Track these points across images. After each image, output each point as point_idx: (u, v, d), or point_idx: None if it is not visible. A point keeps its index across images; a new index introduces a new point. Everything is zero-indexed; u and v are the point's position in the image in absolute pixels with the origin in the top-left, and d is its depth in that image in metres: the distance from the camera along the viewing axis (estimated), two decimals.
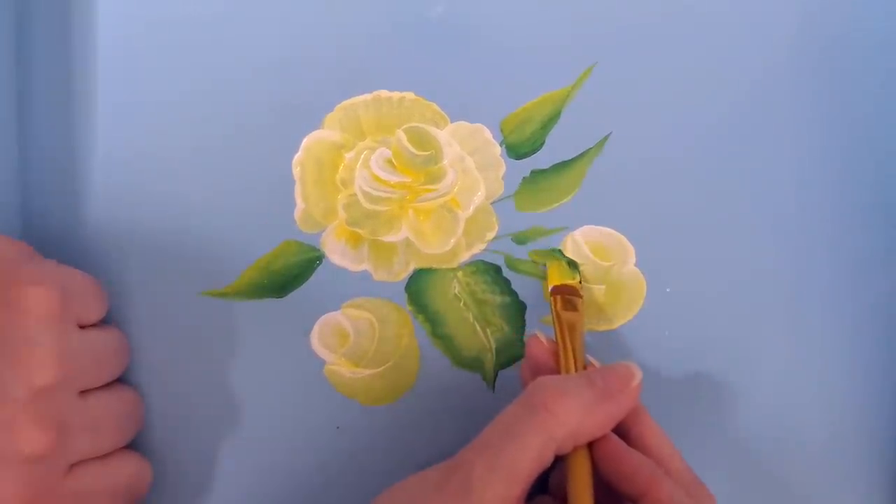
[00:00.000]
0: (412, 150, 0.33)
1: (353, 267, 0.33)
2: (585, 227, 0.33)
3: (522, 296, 0.33)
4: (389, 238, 0.33)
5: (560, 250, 0.33)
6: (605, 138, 0.33)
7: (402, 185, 0.33)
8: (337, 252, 0.33)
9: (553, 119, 0.33)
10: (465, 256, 0.33)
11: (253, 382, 0.33)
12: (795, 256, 0.33)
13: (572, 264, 0.33)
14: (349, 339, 0.33)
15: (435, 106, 0.33)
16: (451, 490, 0.25)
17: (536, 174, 0.33)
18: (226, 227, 0.32)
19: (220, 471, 0.33)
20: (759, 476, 0.33)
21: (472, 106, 0.33)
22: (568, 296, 0.31)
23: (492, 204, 0.33)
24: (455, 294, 0.33)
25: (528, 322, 0.33)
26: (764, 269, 0.33)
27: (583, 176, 0.33)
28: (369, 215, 0.33)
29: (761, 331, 0.33)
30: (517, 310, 0.33)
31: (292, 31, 0.33)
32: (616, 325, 0.33)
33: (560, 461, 0.27)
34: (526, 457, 0.26)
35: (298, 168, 0.33)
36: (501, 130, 0.33)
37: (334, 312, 0.33)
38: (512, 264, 0.33)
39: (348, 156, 0.33)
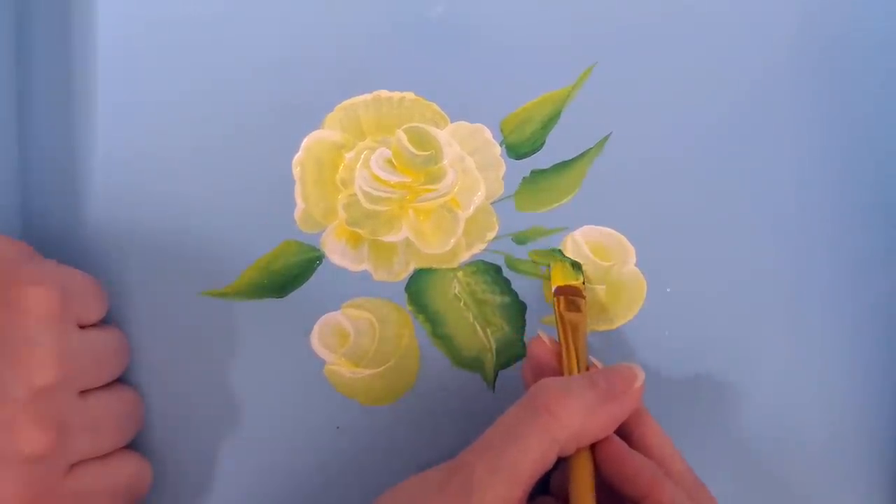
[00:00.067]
0: (412, 150, 0.33)
1: (354, 267, 0.33)
2: (585, 227, 0.33)
3: (522, 296, 0.33)
4: (389, 238, 0.33)
5: (560, 250, 0.33)
6: (605, 138, 0.33)
7: (402, 185, 0.33)
8: (337, 252, 0.33)
9: (553, 119, 0.33)
10: (465, 256, 0.33)
11: (253, 382, 0.33)
12: (795, 256, 0.33)
13: (576, 265, 0.33)
14: (349, 339, 0.33)
15: (435, 106, 0.33)
16: (453, 491, 0.25)
17: (536, 174, 0.33)
18: (226, 227, 0.32)
19: (220, 471, 0.33)
20: (760, 476, 0.33)
21: (472, 106, 0.33)
22: (571, 296, 0.31)
23: (492, 204, 0.33)
24: (455, 294, 0.33)
25: (528, 322, 0.33)
26: (764, 269, 0.33)
27: (583, 176, 0.33)
28: (369, 215, 0.33)
29: (761, 331, 0.33)
30: (517, 310, 0.33)
31: (292, 31, 0.33)
32: (616, 325, 0.33)
33: (562, 462, 0.27)
34: (528, 458, 0.26)
35: (298, 168, 0.33)
36: (501, 130, 0.33)
37: (334, 312, 0.33)
38: (512, 264, 0.33)
39: (348, 156, 0.33)
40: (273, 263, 0.33)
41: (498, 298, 0.33)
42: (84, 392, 0.28)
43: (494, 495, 0.25)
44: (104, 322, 0.30)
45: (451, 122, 0.33)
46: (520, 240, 0.33)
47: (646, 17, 0.33)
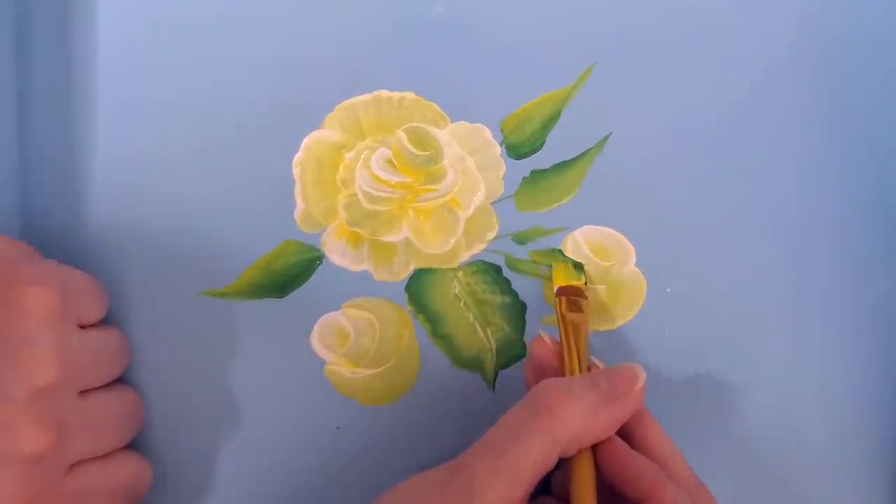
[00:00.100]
0: (412, 150, 0.33)
1: (354, 267, 0.33)
2: (585, 227, 0.33)
3: (522, 296, 0.33)
4: (389, 238, 0.33)
5: (561, 251, 0.33)
6: (605, 138, 0.33)
7: (402, 185, 0.33)
8: (337, 252, 0.33)
9: (553, 119, 0.33)
10: (465, 256, 0.33)
11: (253, 382, 0.33)
12: (795, 256, 0.33)
13: (578, 266, 0.33)
14: (349, 339, 0.33)
15: (435, 106, 0.33)
16: (454, 491, 0.25)
17: (536, 174, 0.33)
18: (226, 227, 0.32)
19: (220, 471, 0.33)
20: (760, 476, 0.33)
21: (472, 106, 0.33)
22: (573, 297, 0.31)
23: (492, 204, 0.33)
24: (455, 294, 0.33)
25: (528, 322, 0.33)
26: (764, 269, 0.33)
27: (583, 176, 0.33)
28: (369, 215, 0.33)
29: (761, 331, 0.33)
30: (517, 310, 0.33)
31: (292, 31, 0.33)
32: (616, 325, 0.33)
33: (563, 462, 0.27)
34: (529, 459, 0.26)
35: (298, 168, 0.33)
36: (501, 130, 0.33)
37: (334, 312, 0.33)
38: (512, 264, 0.33)
39: (348, 156, 0.33)
40: (273, 263, 0.33)
41: (498, 298, 0.33)
42: (84, 392, 0.28)
43: (496, 496, 0.25)
44: (104, 322, 0.30)
45: (452, 122, 0.33)
46: (520, 240, 0.33)
47: (646, 17, 0.33)
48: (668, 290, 0.33)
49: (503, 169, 0.33)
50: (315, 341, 0.33)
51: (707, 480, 0.28)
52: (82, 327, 0.29)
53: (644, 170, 0.33)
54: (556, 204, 0.33)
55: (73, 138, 0.32)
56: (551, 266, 0.33)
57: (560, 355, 0.30)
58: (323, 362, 0.33)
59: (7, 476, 0.26)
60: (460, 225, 0.33)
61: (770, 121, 0.33)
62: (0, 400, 0.26)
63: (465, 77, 0.33)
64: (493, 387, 0.33)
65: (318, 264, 0.33)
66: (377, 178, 0.33)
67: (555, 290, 0.32)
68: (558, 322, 0.31)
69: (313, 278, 0.33)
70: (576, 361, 0.29)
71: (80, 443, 0.28)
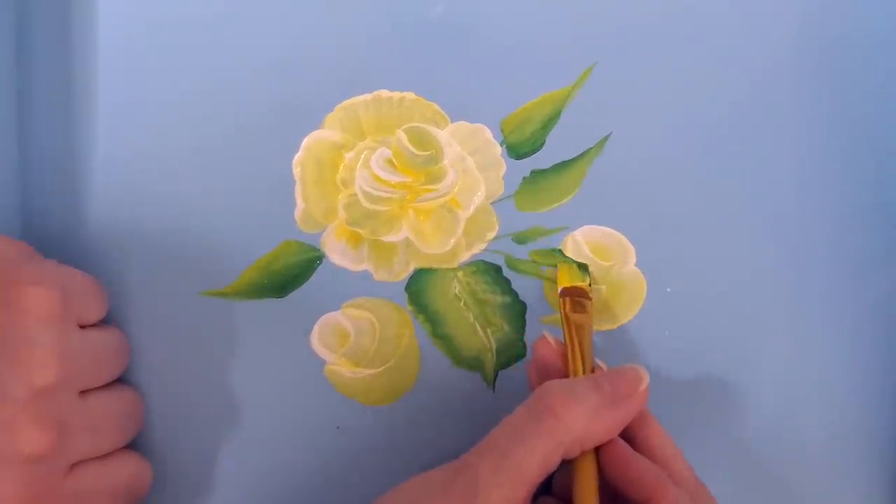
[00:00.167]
0: (412, 150, 0.33)
1: (354, 267, 0.33)
2: (586, 227, 0.33)
3: (522, 296, 0.33)
4: (390, 238, 0.33)
5: (561, 251, 0.33)
6: (605, 138, 0.33)
7: (402, 185, 0.33)
8: (337, 252, 0.33)
9: (553, 119, 0.33)
10: (465, 256, 0.33)
11: (253, 382, 0.33)
12: (795, 256, 0.33)
13: (582, 267, 0.33)
14: (349, 339, 0.33)
15: (435, 106, 0.33)
16: (457, 491, 0.25)
17: (537, 174, 0.33)
18: (226, 227, 0.32)
19: (220, 471, 0.33)
20: (760, 476, 0.33)
21: (473, 106, 0.33)
22: (577, 298, 0.31)
23: (492, 204, 0.33)
24: (455, 294, 0.33)
25: (528, 322, 0.33)
26: (764, 269, 0.33)
27: (583, 176, 0.33)
28: (369, 215, 0.33)
29: (761, 331, 0.33)
30: (517, 310, 0.33)
31: (292, 31, 0.33)
32: (617, 325, 0.33)
33: (566, 463, 0.27)
34: (532, 460, 0.26)
35: (298, 168, 0.33)
36: (502, 130, 0.33)
37: (334, 312, 0.33)
38: (512, 264, 0.33)
39: (348, 156, 0.33)
40: (273, 263, 0.33)
41: (498, 298, 0.33)
42: (84, 392, 0.28)
43: (499, 496, 0.25)
44: (104, 322, 0.30)
45: (452, 122, 0.33)
46: (520, 240, 0.33)
47: (646, 17, 0.33)
48: (668, 290, 0.33)
49: (503, 169, 0.33)
50: (315, 341, 0.33)
51: (707, 480, 0.28)
52: (82, 327, 0.29)
53: (644, 170, 0.33)
54: (557, 204, 0.33)
55: (73, 138, 0.32)
56: (554, 266, 0.33)
57: (564, 356, 0.30)
58: (323, 362, 0.33)
59: (7, 476, 0.26)
60: (460, 225, 0.33)
61: (770, 121, 0.33)
62: (0, 400, 0.26)
63: (465, 77, 0.33)
64: (493, 387, 0.33)
65: (318, 264, 0.33)
66: (377, 178, 0.33)
67: (559, 290, 0.32)
68: (562, 323, 0.31)
69: (313, 278, 0.33)
70: (579, 362, 0.29)
71: (81, 443, 0.28)
